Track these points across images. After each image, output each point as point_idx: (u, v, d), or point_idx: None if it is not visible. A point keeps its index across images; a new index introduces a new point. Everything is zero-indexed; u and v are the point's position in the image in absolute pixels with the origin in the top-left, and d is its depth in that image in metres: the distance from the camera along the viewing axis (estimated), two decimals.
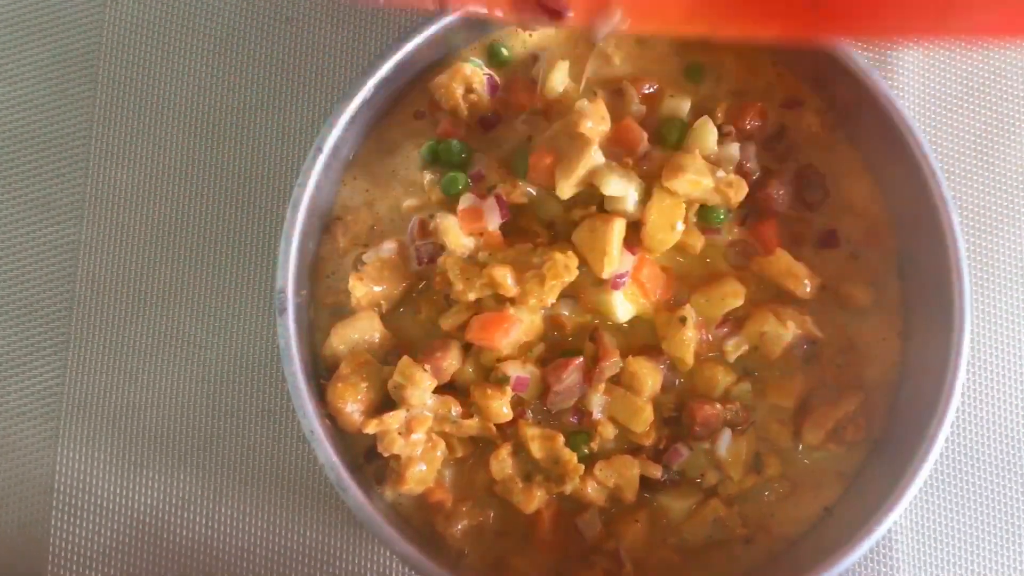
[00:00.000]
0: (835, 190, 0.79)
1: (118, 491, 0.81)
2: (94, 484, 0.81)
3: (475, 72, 0.77)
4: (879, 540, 0.69)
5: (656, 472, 0.73)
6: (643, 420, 0.73)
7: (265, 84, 0.86)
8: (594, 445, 0.74)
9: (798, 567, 0.71)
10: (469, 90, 0.77)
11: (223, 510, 0.80)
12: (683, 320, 0.74)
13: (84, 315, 0.83)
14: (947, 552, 0.81)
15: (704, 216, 0.75)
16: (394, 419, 0.71)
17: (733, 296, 0.74)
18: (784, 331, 0.74)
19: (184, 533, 0.80)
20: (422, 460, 0.72)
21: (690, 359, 0.74)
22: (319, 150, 0.72)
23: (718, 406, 0.74)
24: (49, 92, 0.86)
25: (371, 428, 0.70)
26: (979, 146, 0.87)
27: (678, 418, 0.75)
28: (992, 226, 0.86)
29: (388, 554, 0.80)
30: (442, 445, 0.73)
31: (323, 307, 0.76)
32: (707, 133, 0.75)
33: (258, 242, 0.84)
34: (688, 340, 0.73)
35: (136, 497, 0.81)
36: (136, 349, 0.82)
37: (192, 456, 0.81)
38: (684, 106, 0.77)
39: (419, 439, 0.71)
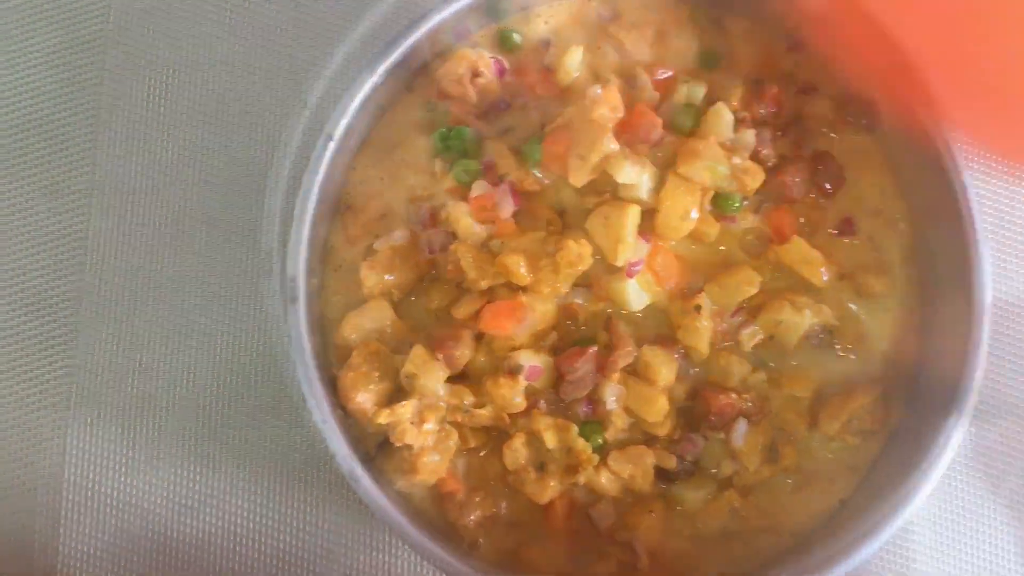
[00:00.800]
0: (851, 177, 0.77)
1: (128, 481, 0.80)
2: (104, 475, 0.80)
3: (481, 56, 0.76)
4: (896, 531, 0.69)
5: (671, 462, 0.73)
6: (657, 410, 0.72)
7: (274, 70, 0.85)
8: (608, 435, 0.73)
9: (815, 558, 0.71)
10: (476, 74, 0.76)
11: (234, 501, 0.80)
12: (698, 309, 0.73)
13: (93, 305, 0.82)
14: (964, 543, 0.81)
15: (719, 203, 0.74)
16: (406, 409, 0.70)
17: (748, 284, 0.73)
18: (800, 320, 0.73)
19: (195, 523, 0.79)
20: (435, 450, 0.71)
21: (705, 348, 0.73)
22: (329, 137, 0.72)
23: (733, 396, 0.73)
24: (56, 80, 0.85)
25: (383, 418, 0.70)
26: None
27: (692, 408, 0.74)
28: (1013, 212, 0.85)
29: (401, 545, 0.80)
30: (455, 435, 0.72)
31: (334, 296, 0.76)
32: (722, 119, 0.74)
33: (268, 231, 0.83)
34: (703, 329, 0.73)
35: (146, 488, 0.80)
36: (145, 339, 0.82)
37: (203, 447, 0.80)
38: (699, 92, 0.76)
39: (431, 429, 0.71)
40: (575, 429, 0.71)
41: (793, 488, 0.75)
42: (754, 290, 0.73)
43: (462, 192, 0.75)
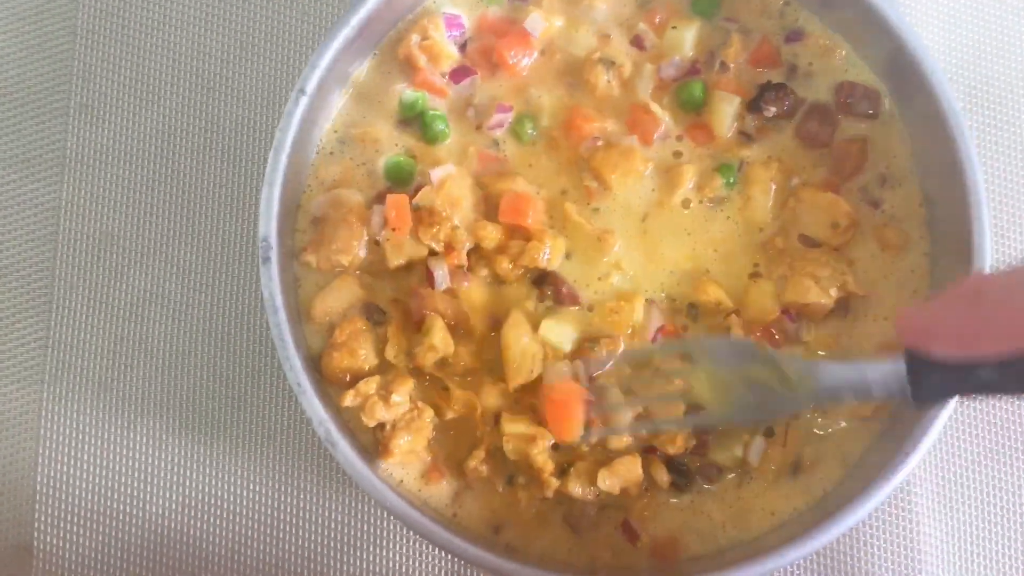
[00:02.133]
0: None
1: (105, 455, 0.78)
2: (80, 448, 0.78)
3: (432, 17, 0.73)
4: (898, 488, 0.66)
5: (663, 475, 0.69)
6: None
7: (249, 31, 0.83)
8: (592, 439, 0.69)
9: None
10: (425, 37, 0.73)
11: (214, 473, 0.77)
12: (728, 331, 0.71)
13: (67, 276, 0.80)
14: (967, 500, 0.78)
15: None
16: (370, 385, 0.68)
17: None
18: (827, 300, 0.70)
19: (173, 496, 0.77)
20: (407, 431, 0.68)
21: None
22: (302, 92, 0.69)
23: None
24: (27, 46, 0.83)
25: (348, 400, 0.68)
26: (991, 59, 0.84)
27: None
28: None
29: (386, 515, 0.77)
30: (429, 413, 0.69)
31: (307, 259, 0.73)
32: (725, 111, 0.73)
33: (244, 197, 0.81)
34: None
35: (123, 461, 0.78)
36: (121, 309, 0.80)
37: (181, 418, 0.78)
38: (689, 37, 0.74)
39: (400, 401, 0.68)
40: (540, 444, 0.68)
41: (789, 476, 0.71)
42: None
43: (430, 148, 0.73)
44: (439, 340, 0.69)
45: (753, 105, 0.73)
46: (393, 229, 0.70)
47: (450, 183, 0.71)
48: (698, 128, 0.74)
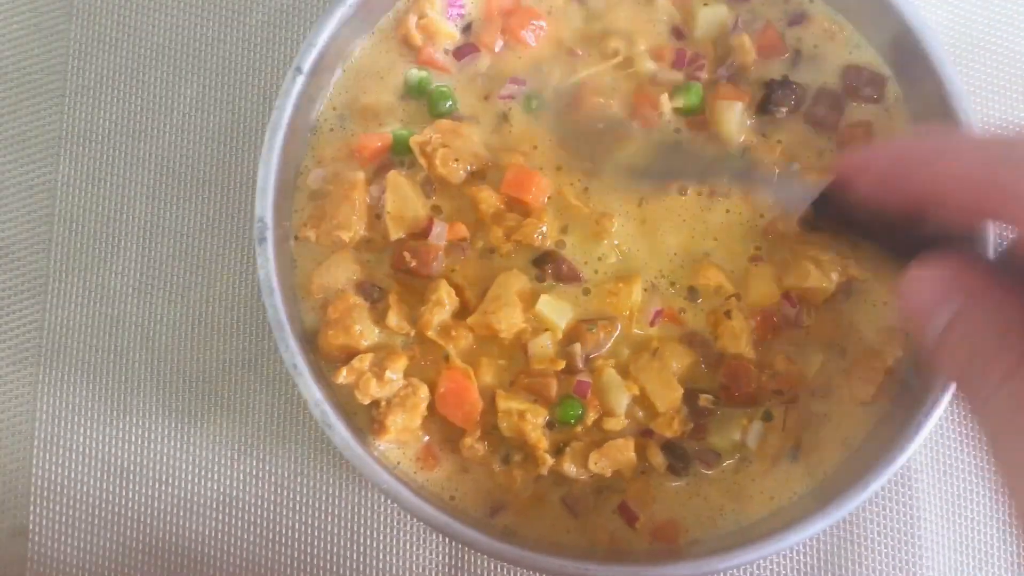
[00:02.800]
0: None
1: (101, 437, 0.77)
2: (76, 430, 0.77)
3: None
4: (898, 475, 0.66)
5: (659, 461, 0.69)
6: (673, 398, 0.68)
7: (246, 10, 0.82)
8: (588, 422, 0.69)
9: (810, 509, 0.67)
10: (422, 16, 0.73)
11: (210, 456, 0.77)
12: (728, 314, 0.70)
13: (63, 257, 0.79)
14: (967, 487, 0.77)
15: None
16: (363, 361, 0.67)
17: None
18: (828, 284, 0.69)
19: (169, 479, 0.77)
20: (401, 408, 0.68)
21: (748, 350, 0.70)
22: (298, 71, 0.68)
23: (764, 377, 0.70)
24: (23, 26, 0.82)
25: (341, 377, 0.67)
26: (995, 41, 0.83)
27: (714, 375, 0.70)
28: None
29: (384, 500, 0.77)
30: (424, 390, 0.68)
31: (305, 237, 0.72)
32: (731, 118, 0.72)
33: (242, 176, 0.80)
34: (740, 330, 0.69)
35: (119, 443, 0.77)
36: (117, 291, 0.79)
37: (177, 401, 0.78)
38: (719, 12, 0.74)
39: (394, 379, 0.67)
40: (534, 420, 0.68)
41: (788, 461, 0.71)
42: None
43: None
44: (445, 295, 0.68)
45: (762, 108, 0.73)
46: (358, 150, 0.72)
47: (458, 131, 0.71)
48: (698, 120, 0.74)
